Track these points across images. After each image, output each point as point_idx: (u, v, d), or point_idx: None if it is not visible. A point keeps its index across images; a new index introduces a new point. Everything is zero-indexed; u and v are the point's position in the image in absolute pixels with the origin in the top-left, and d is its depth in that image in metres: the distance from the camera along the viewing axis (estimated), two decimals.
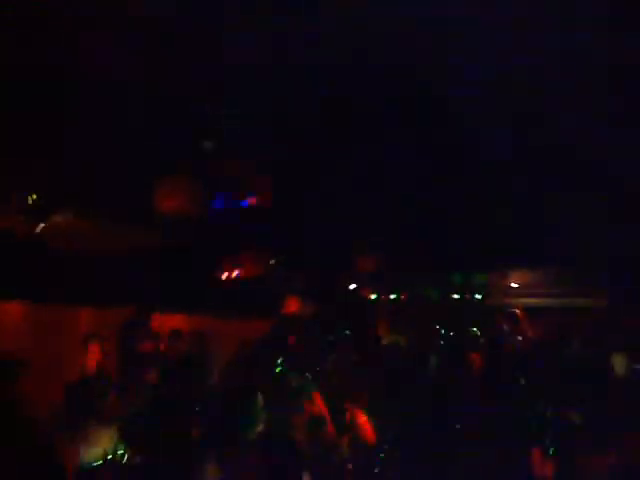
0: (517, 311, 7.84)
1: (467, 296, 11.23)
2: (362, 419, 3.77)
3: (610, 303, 7.78)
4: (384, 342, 7.81)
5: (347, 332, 6.87)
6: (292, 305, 7.57)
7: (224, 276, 8.00)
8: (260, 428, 3.26)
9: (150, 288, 6.80)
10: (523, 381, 5.14)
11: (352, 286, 10.86)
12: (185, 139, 6.18)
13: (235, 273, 8.05)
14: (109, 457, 3.56)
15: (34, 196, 5.63)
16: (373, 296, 11.63)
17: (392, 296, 11.71)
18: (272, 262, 8.55)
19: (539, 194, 8.02)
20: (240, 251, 8.02)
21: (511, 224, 8.50)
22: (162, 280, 6.98)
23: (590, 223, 7.75)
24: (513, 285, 10.86)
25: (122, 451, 3.60)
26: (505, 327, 7.38)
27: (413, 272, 10.76)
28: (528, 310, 8.97)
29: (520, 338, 7.16)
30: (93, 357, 5.59)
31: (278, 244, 8.15)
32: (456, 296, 11.33)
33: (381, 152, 7.26)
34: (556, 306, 9.15)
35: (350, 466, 3.53)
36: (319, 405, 3.67)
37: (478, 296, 11.20)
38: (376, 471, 3.60)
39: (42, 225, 5.79)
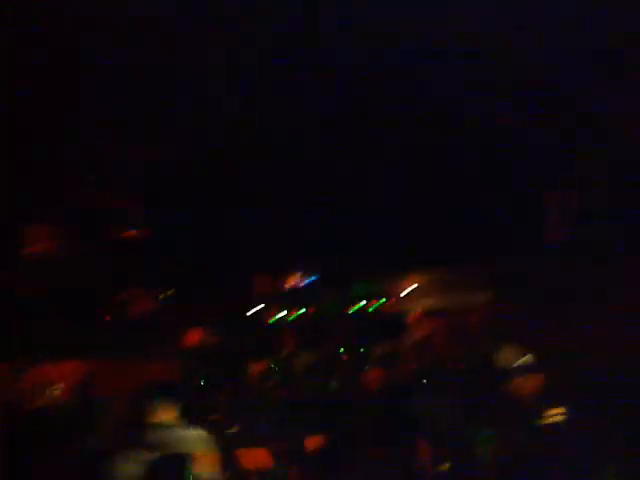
0: (417, 314, 8.03)
1: (367, 305, 11.35)
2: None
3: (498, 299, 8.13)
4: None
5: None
6: (192, 337, 7.29)
7: (113, 315, 7.60)
8: None
9: (32, 337, 6.30)
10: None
11: (255, 308, 10.70)
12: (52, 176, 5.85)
13: (124, 310, 7.67)
14: None
15: None
16: (279, 315, 11.48)
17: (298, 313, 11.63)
18: (163, 295, 8.23)
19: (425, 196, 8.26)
20: (126, 287, 7.64)
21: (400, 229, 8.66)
22: (44, 328, 6.49)
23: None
24: (409, 289, 11.11)
25: None
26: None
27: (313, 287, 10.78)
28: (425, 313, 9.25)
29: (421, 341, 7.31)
30: None
31: (168, 274, 7.85)
32: (357, 306, 11.41)
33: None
34: (451, 307, 9.44)
35: None
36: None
37: (378, 304, 11.35)
38: None
39: None
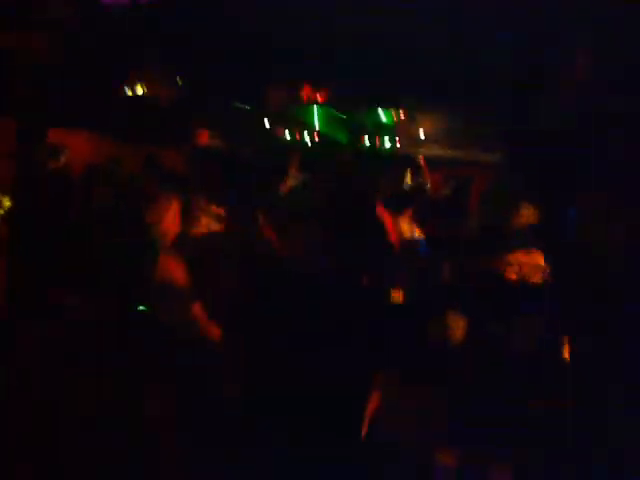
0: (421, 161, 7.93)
1: (376, 142, 11.03)
2: None
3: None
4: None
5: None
6: (203, 136, 7.19)
7: (126, 92, 7.37)
8: None
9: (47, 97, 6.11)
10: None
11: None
12: None
13: (139, 89, 7.41)
14: None
15: None
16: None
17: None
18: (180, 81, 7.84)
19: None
20: (144, 61, 7.23)
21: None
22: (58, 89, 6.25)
23: None
24: (420, 132, 10.82)
25: None
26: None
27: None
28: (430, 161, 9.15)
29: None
30: None
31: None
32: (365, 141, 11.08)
33: None
34: (460, 159, 9.34)
35: None
36: None
37: (387, 143, 11.06)
38: None
39: None
